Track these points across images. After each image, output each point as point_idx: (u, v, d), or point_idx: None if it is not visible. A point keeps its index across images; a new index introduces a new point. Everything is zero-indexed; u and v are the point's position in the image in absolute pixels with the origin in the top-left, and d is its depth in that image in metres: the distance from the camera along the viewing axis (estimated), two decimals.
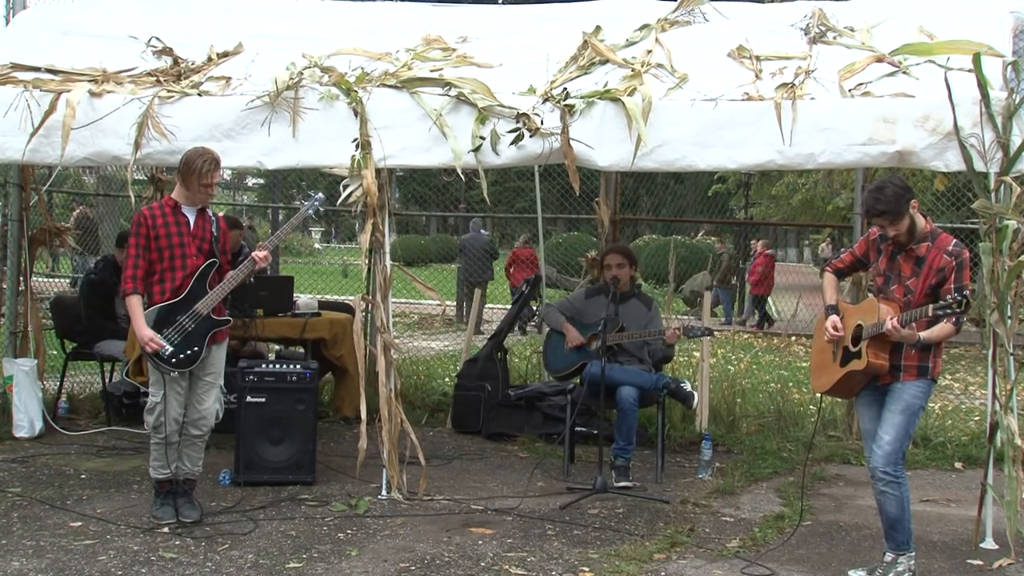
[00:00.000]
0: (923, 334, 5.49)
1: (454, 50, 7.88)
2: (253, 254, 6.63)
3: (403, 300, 22.74)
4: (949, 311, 5.36)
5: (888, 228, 5.61)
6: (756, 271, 23.05)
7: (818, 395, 6.41)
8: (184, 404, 6.56)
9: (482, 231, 21.81)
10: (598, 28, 7.78)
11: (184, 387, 6.53)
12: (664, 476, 8.07)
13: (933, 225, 5.72)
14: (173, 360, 6.39)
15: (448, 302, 21.72)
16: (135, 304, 6.41)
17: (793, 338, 18.55)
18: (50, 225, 9.40)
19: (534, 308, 14.49)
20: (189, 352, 6.44)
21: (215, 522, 6.57)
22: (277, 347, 10.33)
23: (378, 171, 7.07)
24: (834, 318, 5.87)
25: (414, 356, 13.23)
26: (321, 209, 7.28)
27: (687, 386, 8.00)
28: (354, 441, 7.43)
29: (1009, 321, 6.22)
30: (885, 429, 5.64)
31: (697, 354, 10.76)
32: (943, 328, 5.51)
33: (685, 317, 9.13)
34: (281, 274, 14.64)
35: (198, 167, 6.40)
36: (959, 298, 5.30)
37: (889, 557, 5.73)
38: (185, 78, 7.62)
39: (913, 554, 5.73)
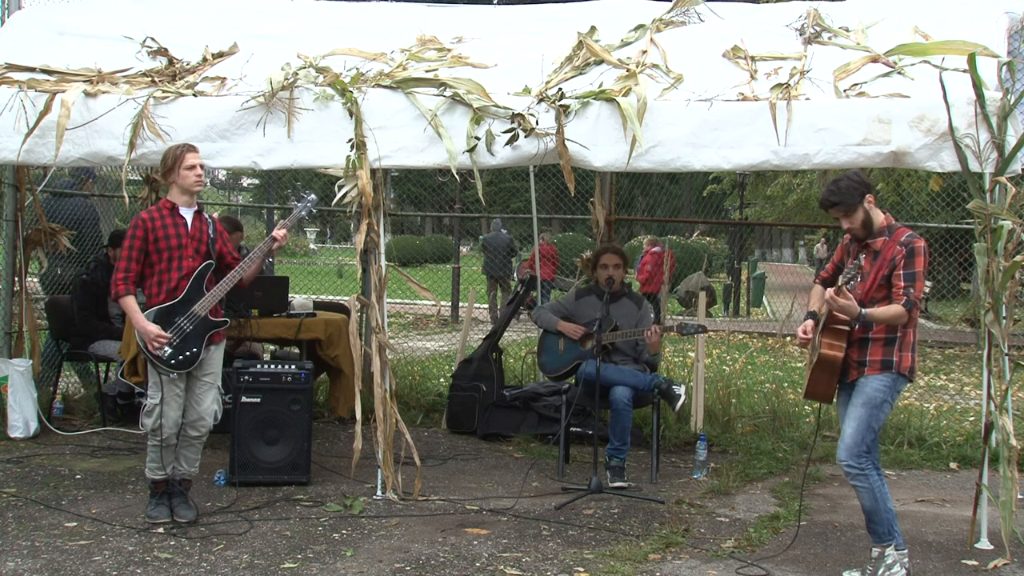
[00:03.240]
0: (866, 310, 5.59)
1: (449, 50, 7.88)
2: (273, 232, 6.74)
3: (398, 300, 22.80)
4: (850, 275, 5.55)
5: (843, 220, 5.76)
6: (644, 269, 22.06)
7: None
8: (182, 406, 6.57)
9: (502, 231, 23.00)
10: (593, 28, 7.78)
11: (182, 389, 6.55)
12: (659, 476, 8.07)
13: (893, 221, 5.81)
14: (172, 362, 6.41)
15: (443, 303, 21.82)
16: (131, 303, 6.43)
17: (788, 339, 18.55)
18: (45, 226, 9.39)
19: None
20: (188, 353, 6.45)
21: (210, 522, 6.57)
22: (272, 347, 10.32)
23: (373, 171, 7.07)
24: (807, 323, 5.95)
25: (409, 356, 13.24)
26: (314, 211, 7.29)
27: (679, 389, 7.94)
28: (349, 441, 7.43)
29: (1004, 321, 6.23)
30: (847, 422, 5.75)
31: (692, 354, 10.77)
32: (890, 309, 5.61)
33: (680, 318, 9.12)
34: (276, 275, 14.60)
35: (173, 153, 6.53)
36: (857, 263, 5.59)
37: (875, 552, 5.76)
38: (180, 78, 7.61)
39: (905, 550, 5.75)
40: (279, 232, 6.76)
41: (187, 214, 6.56)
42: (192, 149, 6.60)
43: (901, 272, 5.60)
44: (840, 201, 5.71)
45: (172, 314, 6.44)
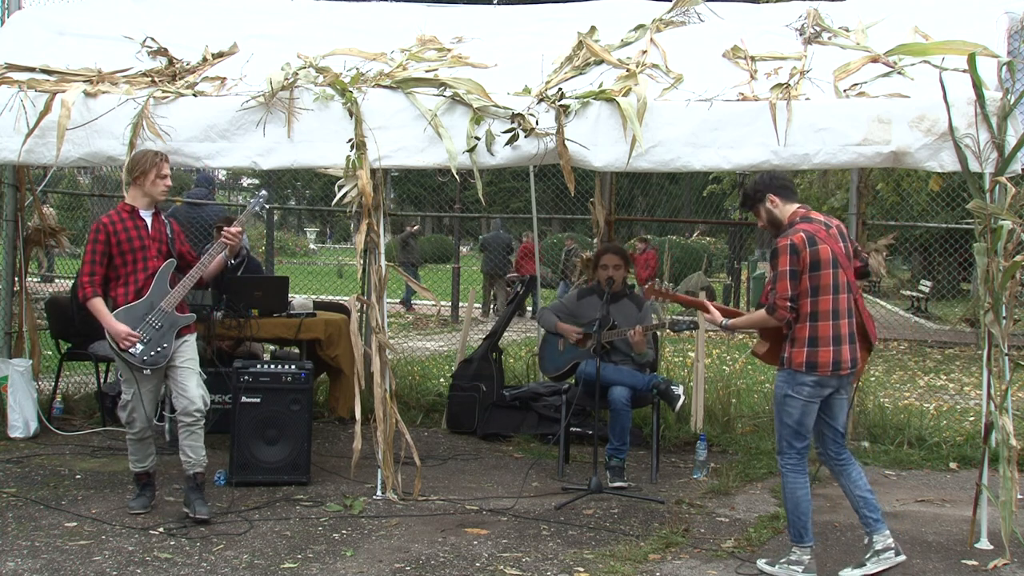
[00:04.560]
0: (728, 321, 6.00)
1: (449, 50, 7.88)
2: (225, 231, 6.80)
3: (398, 300, 22.78)
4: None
5: (758, 219, 6.01)
6: None
7: None
8: (155, 401, 6.81)
9: (502, 231, 23.93)
10: (593, 28, 7.78)
11: (155, 384, 6.69)
12: (659, 476, 8.07)
13: (800, 218, 5.80)
14: (144, 359, 6.51)
15: (443, 303, 21.88)
16: (99, 305, 6.55)
17: None
18: (45, 226, 9.39)
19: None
20: (159, 349, 6.55)
21: (210, 522, 6.57)
22: (272, 347, 10.32)
23: (373, 171, 7.07)
24: None
25: (409, 356, 13.24)
26: (266, 206, 7.42)
27: (678, 388, 7.95)
28: (349, 441, 7.43)
29: (1004, 321, 6.23)
30: None
31: (692, 354, 10.77)
32: (753, 315, 5.96)
33: (679, 317, 9.11)
34: (276, 275, 14.59)
35: (150, 160, 6.65)
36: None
37: (790, 543, 5.91)
38: (180, 78, 7.61)
39: (807, 548, 5.81)
40: (233, 229, 6.81)
41: (146, 216, 6.69)
42: (167, 159, 6.78)
43: (770, 274, 5.73)
44: (743, 203, 6.09)
45: (140, 312, 6.53)
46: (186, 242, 6.99)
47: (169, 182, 6.78)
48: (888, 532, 5.85)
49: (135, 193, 6.68)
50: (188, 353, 6.69)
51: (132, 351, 6.47)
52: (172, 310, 6.59)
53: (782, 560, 5.82)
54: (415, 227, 25.53)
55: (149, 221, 6.67)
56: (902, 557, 5.84)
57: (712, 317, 6.04)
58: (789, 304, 5.59)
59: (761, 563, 5.90)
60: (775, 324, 5.71)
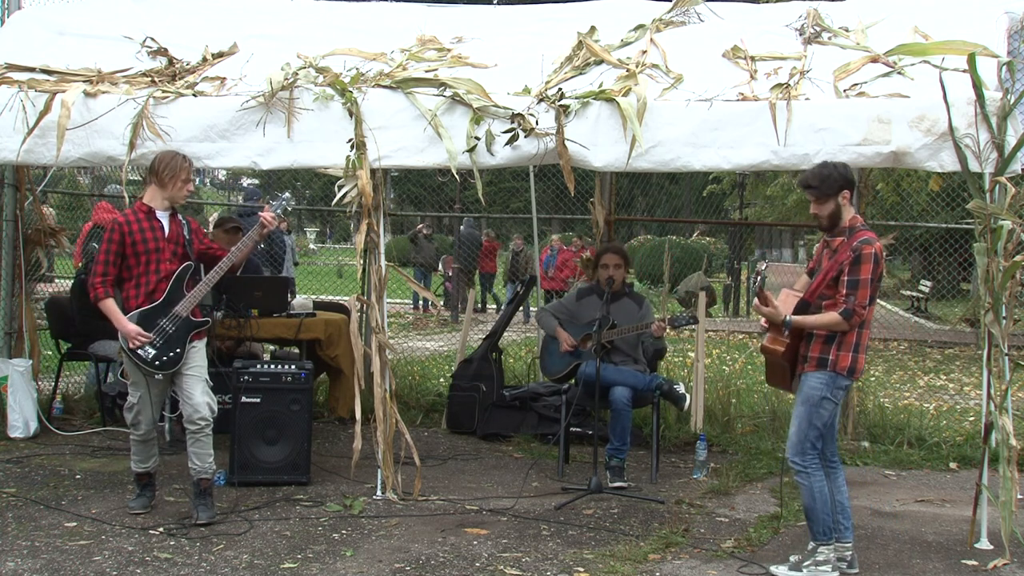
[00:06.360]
0: (795, 317, 5.72)
1: (449, 50, 7.88)
2: (261, 215, 6.76)
3: (398, 300, 22.81)
4: (759, 283, 5.94)
5: (813, 204, 5.82)
6: (571, 265, 20.67)
7: None
8: (161, 404, 6.79)
9: (473, 229, 24.59)
10: (593, 28, 7.78)
11: (162, 388, 6.67)
12: (659, 476, 8.07)
13: (860, 223, 5.81)
14: (156, 363, 6.47)
15: (442, 303, 21.96)
16: (111, 306, 6.50)
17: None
18: (45, 226, 9.38)
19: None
20: (172, 354, 6.51)
21: (210, 524, 6.56)
22: (272, 347, 10.32)
23: (373, 171, 7.07)
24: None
25: (409, 356, 13.24)
26: (289, 208, 7.34)
27: (680, 387, 7.99)
28: (349, 442, 7.43)
29: (1004, 321, 6.23)
30: (792, 420, 5.90)
31: (692, 354, 10.77)
32: (824, 316, 5.69)
33: (677, 314, 9.11)
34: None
35: (179, 163, 6.59)
36: (762, 272, 5.93)
37: (811, 545, 5.85)
38: (180, 78, 7.61)
39: (832, 545, 5.80)
40: (267, 215, 6.77)
41: (163, 217, 6.62)
42: (192, 165, 6.73)
43: (845, 279, 5.63)
44: (817, 186, 5.76)
45: (154, 316, 6.50)
46: (206, 237, 6.95)
47: (192, 187, 6.74)
48: (851, 543, 5.92)
49: (154, 193, 6.61)
50: (196, 360, 6.64)
51: (142, 353, 6.43)
52: (187, 315, 6.55)
53: (807, 563, 5.78)
54: (421, 226, 25.61)
55: (166, 222, 6.60)
56: (855, 571, 5.89)
57: (774, 314, 5.76)
58: (864, 312, 5.64)
59: (781, 570, 5.85)
60: (844, 328, 5.66)
